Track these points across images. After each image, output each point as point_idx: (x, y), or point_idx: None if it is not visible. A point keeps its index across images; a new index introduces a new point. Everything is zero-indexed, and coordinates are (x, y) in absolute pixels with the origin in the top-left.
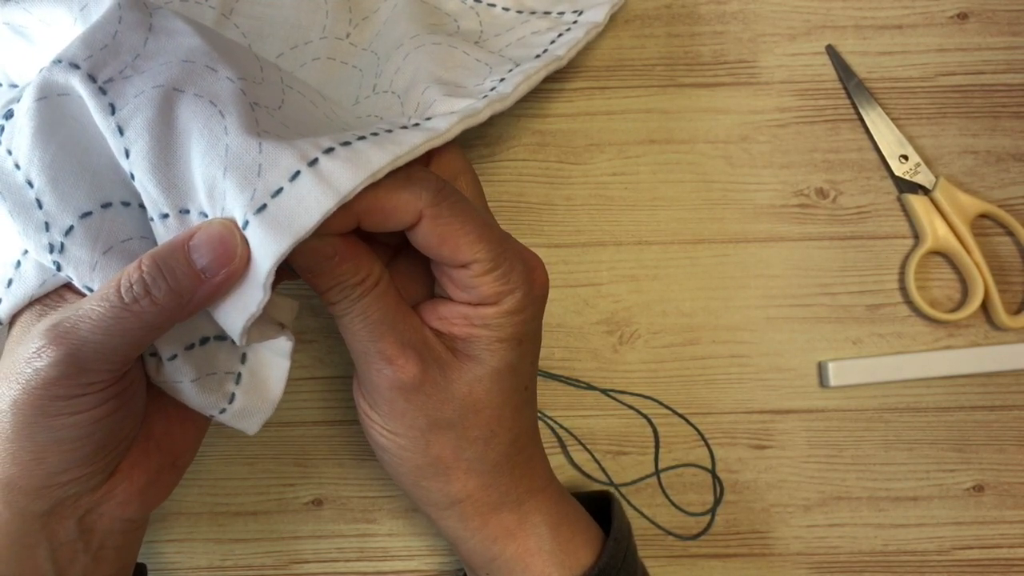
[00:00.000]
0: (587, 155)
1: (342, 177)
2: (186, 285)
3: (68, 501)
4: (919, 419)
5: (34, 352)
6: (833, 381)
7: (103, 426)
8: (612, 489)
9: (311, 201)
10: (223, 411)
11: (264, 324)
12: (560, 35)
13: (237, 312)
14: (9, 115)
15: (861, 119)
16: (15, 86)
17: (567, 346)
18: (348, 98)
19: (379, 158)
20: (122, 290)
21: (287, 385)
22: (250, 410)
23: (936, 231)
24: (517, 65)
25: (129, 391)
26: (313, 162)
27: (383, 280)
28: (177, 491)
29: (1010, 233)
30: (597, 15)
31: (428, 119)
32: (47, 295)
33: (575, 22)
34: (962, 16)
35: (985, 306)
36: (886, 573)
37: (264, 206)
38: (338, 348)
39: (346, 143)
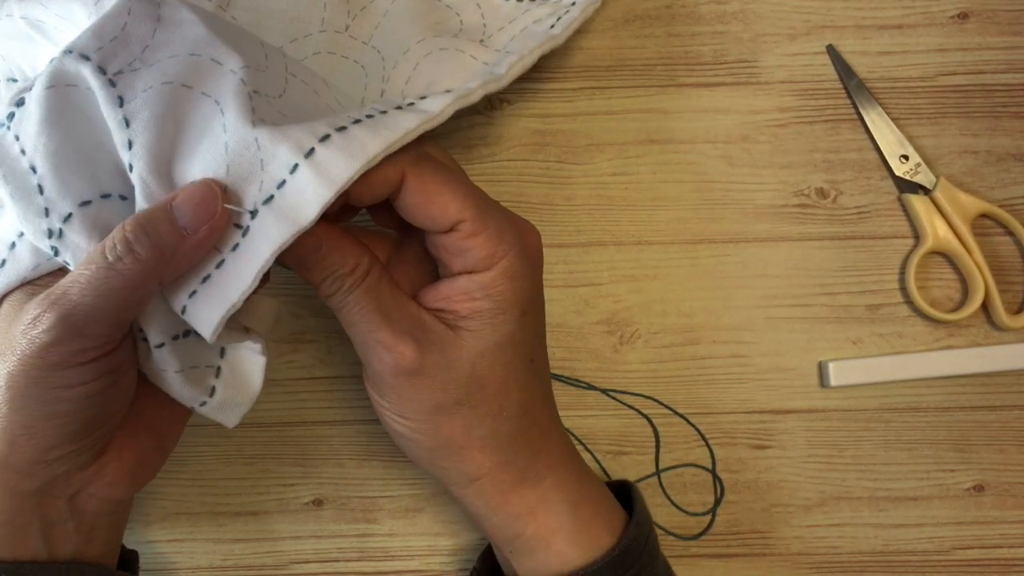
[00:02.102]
0: (587, 155)
1: (338, 167)
2: (168, 242)
3: (59, 480)
4: (919, 419)
5: (29, 322)
6: (833, 381)
7: (95, 402)
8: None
9: (311, 193)
10: (203, 404)
11: (229, 329)
12: (559, 19)
13: (218, 302)
14: (21, 103)
15: (861, 119)
16: None
17: (567, 346)
18: (353, 97)
19: (374, 144)
20: (107, 251)
21: (287, 384)
22: (230, 403)
23: (936, 231)
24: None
25: (121, 368)
26: (310, 153)
27: (374, 270)
28: (177, 491)
29: (1010, 233)
30: None
31: (423, 98)
32: (39, 277)
33: (573, 3)
34: (962, 16)
35: (985, 306)
36: (886, 573)
37: (272, 196)
38: (338, 348)
39: (342, 128)
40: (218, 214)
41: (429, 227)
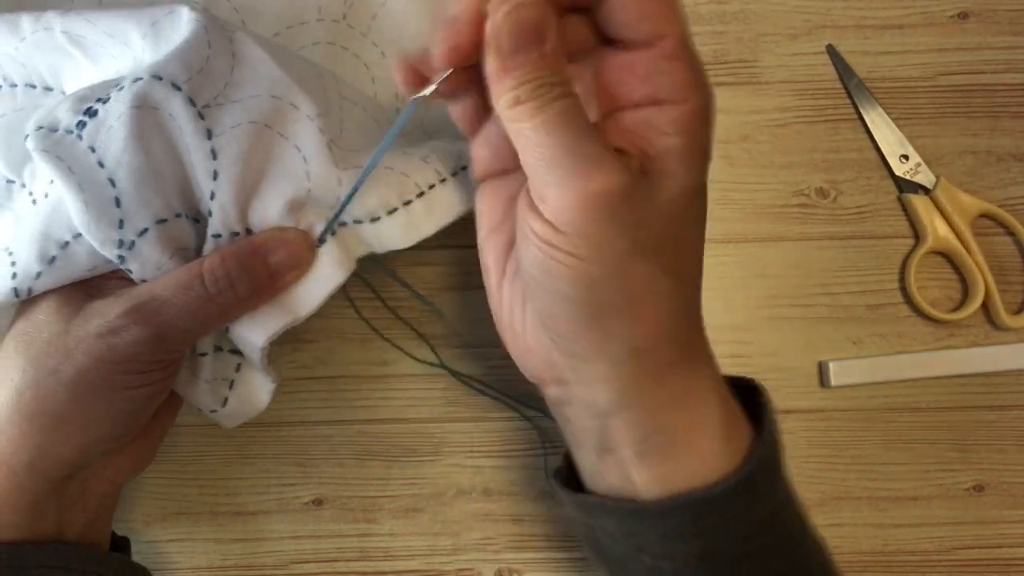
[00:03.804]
0: None
1: (423, 222)
2: (261, 283)
3: (83, 467)
4: (919, 419)
5: (109, 329)
6: (833, 381)
7: (151, 402)
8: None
9: (395, 233)
10: (214, 411)
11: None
12: None
13: (279, 318)
14: (93, 113)
15: (861, 119)
16: (50, 89)
17: None
18: (367, 95)
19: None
20: (208, 282)
21: (287, 384)
22: (236, 414)
23: (936, 231)
24: None
25: (175, 371)
26: (392, 211)
27: (574, 91)
28: (177, 491)
29: (1010, 233)
30: None
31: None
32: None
33: None
34: (962, 16)
35: (985, 306)
36: (886, 573)
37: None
38: (338, 348)
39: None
40: (305, 262)
41: (629, 32)
